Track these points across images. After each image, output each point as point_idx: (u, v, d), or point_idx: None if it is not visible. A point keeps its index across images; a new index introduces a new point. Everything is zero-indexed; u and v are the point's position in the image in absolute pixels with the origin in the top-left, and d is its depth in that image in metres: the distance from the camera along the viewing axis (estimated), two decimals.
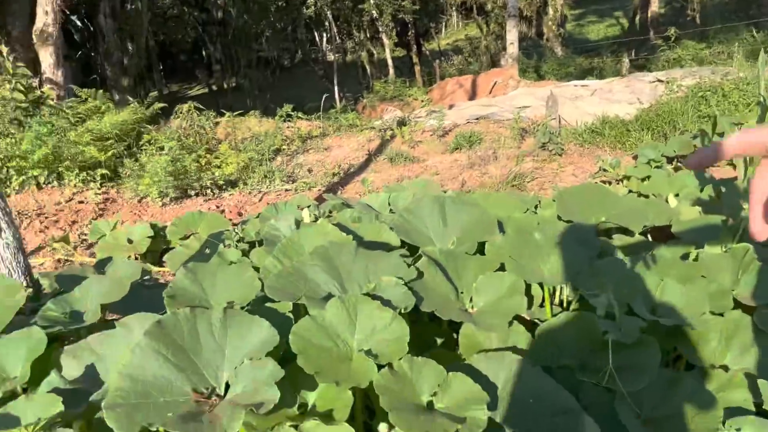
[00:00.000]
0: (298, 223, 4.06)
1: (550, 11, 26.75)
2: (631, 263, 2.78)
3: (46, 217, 7.06)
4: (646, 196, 5.01)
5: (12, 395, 2.34)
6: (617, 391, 2.24)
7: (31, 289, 3.32)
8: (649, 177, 5.53)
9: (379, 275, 2.53)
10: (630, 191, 5.54)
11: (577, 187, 3.79)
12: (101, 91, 10.63)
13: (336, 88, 22.54)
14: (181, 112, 10.00)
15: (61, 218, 7.07)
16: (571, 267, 2.70)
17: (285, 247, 2.80)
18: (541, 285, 2.81)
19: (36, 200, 7.52)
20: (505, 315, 2.45)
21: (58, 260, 5.93)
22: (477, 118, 10.55)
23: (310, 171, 8.70)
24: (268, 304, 2.54)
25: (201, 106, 10.16)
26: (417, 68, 25.43)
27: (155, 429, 1.86)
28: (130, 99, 10.51)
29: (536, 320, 2.79)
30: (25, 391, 2.43)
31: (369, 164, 8.81)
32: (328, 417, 2.12)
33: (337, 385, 2.02)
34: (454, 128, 10.06)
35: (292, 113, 10.79)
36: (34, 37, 11.44)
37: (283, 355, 2.25)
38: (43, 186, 7.94)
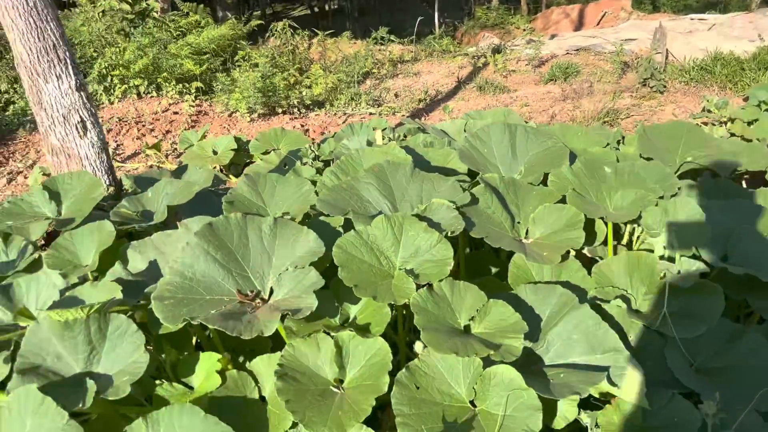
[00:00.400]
0: (370, 144, 4.05)
1: None
2: (707, 206, 2.58)
3: (144, 125, 7.41)
4: (749, 141, 4.61)
5: (83, 281, 2.52)
6: (669, 337, 2.14)
7: (113, 188, 3.52)
8: (756, 120, 5.06)
9: (434, 198, 2.49)
10: (732, 135, 5.12)
11: (665, 123, 3.52)
12: (202, 6, 10.82)
13: (436, 14, 21.87)
14: (276, 30, 10.06)
15: (157, 127, 7.40)
16: (637, 205, 2.54)
17: (343, 163, 2.80)
18: (604, 222, 2.67)
19: (136, 108, 7.89)
20: (559, 248, 2.36)
21: (150, 166, 6.25)
22: (577, 50, 9.97)
23: (396, 96, 8.60)
24: (321, 218, 2.57)
25: (295, 25, 10.16)
26: None
27: (197, 322, 1.96)
28: (229, 15, 10.64)
29: (597, 258, 2.68)
30: (96, 279, 2.62)
31: (457, 92, 8.58)
32: (365, 330, 2.15)
33: (375, 300, 2.04)
34: (551, 59, 9.57)
35: (385, 36, 10.60)
36: None
37: (330, 267, 2.28)
38: (143, 95, 8.31)
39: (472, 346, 1.91)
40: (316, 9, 31.35)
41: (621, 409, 2.03)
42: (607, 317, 2.21)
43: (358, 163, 2.82)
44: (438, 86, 8.97)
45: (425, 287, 2.09)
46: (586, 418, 2.07)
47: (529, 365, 2.13)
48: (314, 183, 2.80)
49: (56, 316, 2.00)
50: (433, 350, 1.89)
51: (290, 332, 2.15)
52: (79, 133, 3.56)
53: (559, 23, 16.08)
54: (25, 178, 6.29)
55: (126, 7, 9.85)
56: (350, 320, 2.27)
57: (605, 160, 2.95)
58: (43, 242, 3.39)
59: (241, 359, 2.46)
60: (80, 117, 3.56)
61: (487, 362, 1.94)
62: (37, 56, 3.35)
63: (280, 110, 7.80)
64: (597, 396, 2.16)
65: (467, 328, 2.09)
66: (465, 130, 4.47)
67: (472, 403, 1.93)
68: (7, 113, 7.80)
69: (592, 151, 3.34)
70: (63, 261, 2.63)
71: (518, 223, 2.58)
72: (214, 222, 2.21)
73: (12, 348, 2.17)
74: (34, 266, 2.72)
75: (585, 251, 2.74)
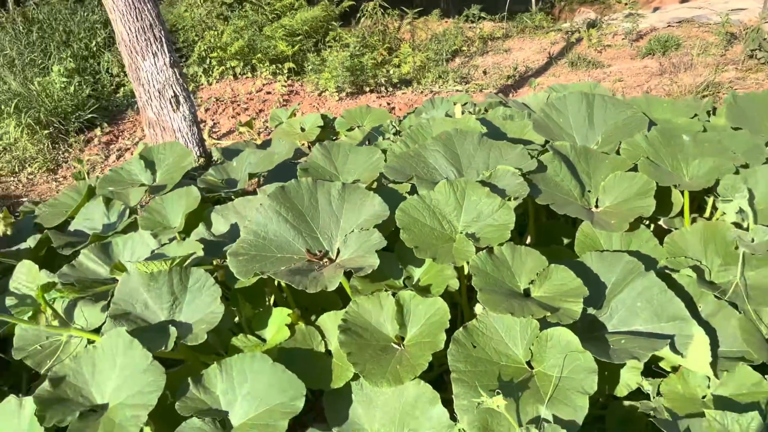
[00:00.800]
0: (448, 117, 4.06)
1: None
2: None
3: (239, 105, 7.76)
4: None
5: (171, 242, 2.73)
6: (741, 308, 2.06)
7: (203, 159, 3.75)
8: None
9: (500, 165, 2.50)
10: None
11: (759, 92, 3.31)
12: None
13: None
14: (366, 11, 10.18)
15: (251, 106, 7.73)
16: (714, 173, 2.44)
17: (413, 132, 2.85)
18: (680, 191, 2.58)
19: (232, 89, 8.27)
20: (628, 215, 2.32)
21: (245, 142, 6.56)
22: (679, 21, 9.43)
23: (485, 73, 8.50)
24: (390, 185, 2.65)
25: (386, 5, 10.23)
26: None
27: (266, 276, 2.10)
28: None
29: (673, 229, 2.60)
30: (183, 239, 2.82)
31: (548, 68, 8.38)
32: (426, 291, 2.22)
33: (434, 261, 2.10)
34: (651, 32, 9.11)
35: (476, 13, 10.48)
36: None
37: (395, 231, 2.35)
38: (239, 76, 8.68)
39: (529, 308, 1.93)
40: None
41: (685, 378, 1.99)
42: (675, 287, 2.15)
43: (427, 132, 2.87)
44: (528, 63, 8.79)
45: (485, 250, 2.12)
46: (647, 386, 2.04)
47: (592, 332, 2.12)
48: (385, 152, 2.88)
49: (143, 268, 2.20)
50: (490, 310, 1.93)
51: (355, 291, 2.25)
52: (172, 107, 3.82)
53: None
54: (132, 154, 6.78)
55: None
56: (413, 282, 2.34)
57: (684, 128, 2.83)
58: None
59: (313, 318, 2.59)
60: (173, 92, 3.82)
61: (546, 325, 1.95)
62: (136, 35, 3.62)
63: (367, 89, 7.93)
64: (662, 367, 2.12)
65: (526, 291, 2.10)
66: None
67: (528, 364, 1.96)
68: (117, 95, 8.39)
69: (676, 122, 3.20)
70: (155, 222, 2.86)
71: (588, 191, 2.55)
72: (286, 185, 2.34)
73: (109, 299, 2.41)
74: (131, 227, 2.97)
75: (661, 222, 2.66)
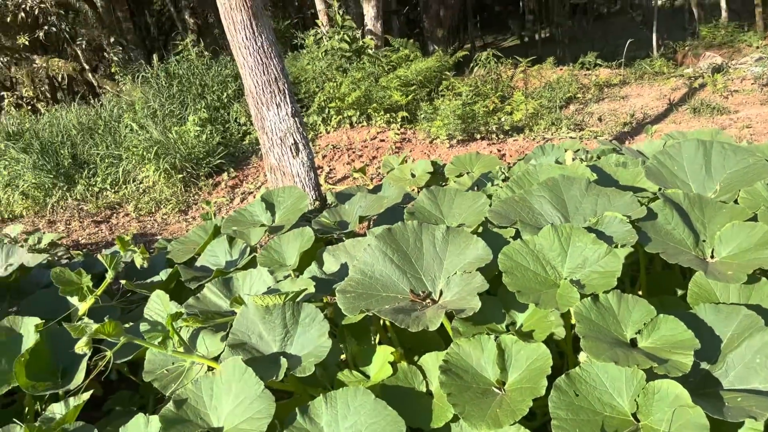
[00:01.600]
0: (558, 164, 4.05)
1: None
2: None
3: (354, 152, 8.10)
4: None
5: (286, 278, 2.91)
6: None
7: (318, 202, 3.97)
8: None
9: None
10: None
11: None
12: (411, 41, 11.53)
13: (654, 35, 20.64)
14: (480, 60, 10.38)
15: (365, 153, 8.04)
16: None
17: (520, 178, 2.88)
18: None
19: (348, 137, 8.66)
20: (746, 267, 2.21)
21: (357, 187, 6.82)
22: None
23: (600, 120, 8.35)
24: (494, 229, 2.68)
25: (499, 54, 10.37)
26: (758, 10, 21.82)
27: (371, 313, 2.19)
28: (435, 48, 11.19)
29: None
30: (297, 276, 2.99)
31: (668, 114, 8.09)
32: (528, 336, 2.21)
33: (537, 306, 2.11)
34: None
35: (592, 60, 10.36)
36: None
37: (498, 275, 2.38)
38: (355, 125, 9.08)
39: (635, 358, 1.88)
40: (526, 38, 31.31)
41: None
42: None
43: (534, 178, 2.89)
44: (646, 109, 8.54)
45: (590, 297, 2.10)
46: None
47: (704, 387, 2.02)
48: (491, 197, 2.93)
49: (260, 302, 2.37)
50: (593, 358, 1.91)
51: (456, 333, 2.29)
52: (292, 153, 4.09)
53: None
54: (254, 197, 7.23)
55: (345, 46, 10.85)
56: (516, 327, 2.34)
57: None
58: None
59: (415, 358, 2.65)
60: (294, 140, 4.10)
61: (652, 377, 1.89)
62: (262, 88, 3.95)
63: (478, 136, 8.02)
64: None
65: (633, 341, 2.05)
66: None
67: (634, 416, 1.90)
68: (243, 142, 9.02)
69: None
70: (272, 260, 3.05)
71: (703, 241, 2.45)
72: (393, 227, 2.44)
73: (228, 329, 2.59)
74: (250, 264, 3.18)
75: None
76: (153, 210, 7.30)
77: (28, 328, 2.65)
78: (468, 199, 2.91)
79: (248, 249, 3.31)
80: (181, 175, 7.68)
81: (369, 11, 12.18)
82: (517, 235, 2.59)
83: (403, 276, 2.36)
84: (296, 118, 4.18)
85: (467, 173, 5.70)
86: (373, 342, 2.67)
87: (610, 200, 2.56)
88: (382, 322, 2.69)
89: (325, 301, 2.78)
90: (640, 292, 2.80)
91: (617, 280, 2.13)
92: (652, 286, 2.77)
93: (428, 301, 2.31)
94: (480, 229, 2.79)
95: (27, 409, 2.69)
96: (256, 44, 3.91)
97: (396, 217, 3.55)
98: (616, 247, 2.24)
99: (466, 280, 2.24)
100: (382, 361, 2.39)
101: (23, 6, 10.68)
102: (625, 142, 7.23)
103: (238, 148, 8.78)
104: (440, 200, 2.94)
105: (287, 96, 4.08)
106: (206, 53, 10.68)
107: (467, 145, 7.93)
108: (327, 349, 2.22)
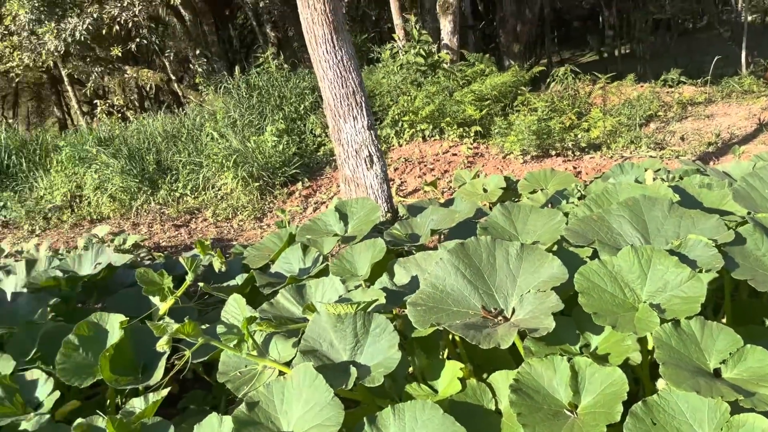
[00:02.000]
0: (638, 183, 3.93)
1: None
2: None
3: (425, 165, 8.12)
4: None
5: (357, 288, 2.94)
6: None
7: (390, 214, 4.00)
8: None
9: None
10: None
11: None
12: (487, 55, 11.47)
13: (743, 52, 19.73)
14: (557, 75, 10.21)
15: (437, 167, 8.04)
16: None
17: (598, 196, 2.81)
18: None
19: (420, 150, 8.68)
20: None
21: (429, 200, 6.82)
22: None
23: (683, 139, 8.03)
24: (570, 248, 2.63)
25: (577, 70, 10.17)
26: None
27: (442, 328, 2.19)
28: (511, 63, 11.10)
29: None
30: (368, 286, 3.02)
31: (757, 135, 7.69)
32: (603, 360, 2.15)
33: (614, 329, 2.05)
34: None
35: (675, 77, 10.00)
36: (437, 7, 12.92)
37: (573, 295, 2.33)
38: (428, 138, 9.09)
39: (718, 389, 1.80)
40: (605, 54, 30.56)
41: None
42: None
43: (613, 197, 2.81)
44: (733, 129, 8.15)
45: (671, 323, 2.02)
46: None
47: None
48: (567, 215, 2.87)
49: (332, 310, 2.40)
50: (673, 386, 1.83)
51: (528, 352, 2.25)
52: (366, 165, 4.15)
53: None
54: (327, 207, 7.36)
55: (420, 60, 10.92)
56: (590, 349, 2.28)
57: None
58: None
59: (484, 376, 2.62)
60: (368, 152, 4.15)
61: (737, 410, 1.80)
62: (340, 101, 4.03)
63: (553, 152, 7.88)
64: None
65: (716, 371, 1.96)
66: None
67: None
68: (318, 153, 9.20)
69: None
70: (344, 270, 3.10)
71: None
72: (466, 242, 2.43)
73: (300, 335, 2.65)
74: (323, 273, 3.24)
75: None
76: (230, 216, 7.54)
77: (114, 325, 2.79)
78: (543, 216, 2.86)
79: (321, 257, 3.37)
80: (257, 184, 7.91)
81: (446, 26, 12.22)
82: (594, 255, 2.53)
83: (475, 292, 2.34)
84: (372, 131, 4.24)
85: (541, 190, 5.59)
86: (441, 356, 2.66)
87: (695, 223, 2.46)
88: (451, 337, 2.67)
89: (394, 312, 2.79)
90: (723, 320, 2.68)
91: (700, 306, 2.05)
92: (738, 314, 2.64)
93: (500, 318, 2.28)
94: (555, 248, 2.74)
95: (109, 401, 2.82)
96: (336, 58, 4.00)
97: (468, 231, 3.53)
98: (700, 271, 2.15)
99: (541, 299, 2.20)
100: (450, 377, 2.38)
101: (118, 19, 11.30)
102: (710, 163, 6.93)
103: (313, 159, 8.96)
104: (514, 216, 2.91)
105: (364, 109, 4.15)
106: (285, 66, 10.98)
107: (541, 161, 7.80)
108: (396, 361, 2.23)
